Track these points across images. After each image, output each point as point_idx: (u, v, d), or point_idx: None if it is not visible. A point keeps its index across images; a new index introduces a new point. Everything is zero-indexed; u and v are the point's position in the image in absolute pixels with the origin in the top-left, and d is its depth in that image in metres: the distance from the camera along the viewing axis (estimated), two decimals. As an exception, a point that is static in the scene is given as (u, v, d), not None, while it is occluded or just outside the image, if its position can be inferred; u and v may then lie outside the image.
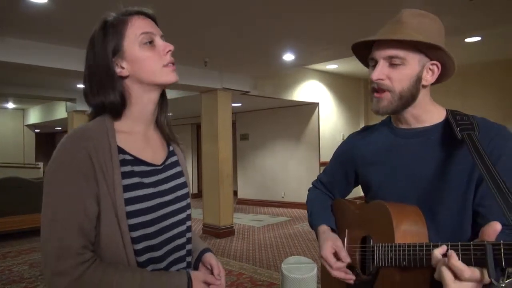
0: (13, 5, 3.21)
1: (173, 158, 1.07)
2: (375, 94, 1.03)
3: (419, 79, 1.00)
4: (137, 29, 0.93)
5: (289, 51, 4.99)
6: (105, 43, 0.92)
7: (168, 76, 0.96)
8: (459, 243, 0.74)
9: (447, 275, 0.74)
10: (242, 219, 7.46)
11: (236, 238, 6.02)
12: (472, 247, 0.72)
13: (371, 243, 1.03)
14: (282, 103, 7.95)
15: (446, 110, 1.06)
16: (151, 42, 0.94)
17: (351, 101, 8.73)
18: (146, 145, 1.00)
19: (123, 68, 0.93)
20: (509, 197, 0.77)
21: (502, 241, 0.68)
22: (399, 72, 0.99)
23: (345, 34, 4.25)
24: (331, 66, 7.49)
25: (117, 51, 0.92)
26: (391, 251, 0.92)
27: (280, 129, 8.73)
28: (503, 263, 0.67)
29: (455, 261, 0.73)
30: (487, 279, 0.70)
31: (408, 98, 1.01)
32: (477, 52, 6.12)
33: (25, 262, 4.92)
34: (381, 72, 1.00)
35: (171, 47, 0.96)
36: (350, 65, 7.40)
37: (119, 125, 0.95)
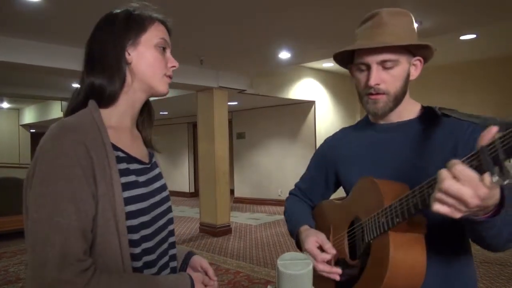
0: (6, 4, 3.19)
1: (154, 159, 1.06)
2: (371, 96, 1.04)
3: (408, 76, 1.04)
4: (159, 32, 0.96)
5: (285, 49, 4.99)
6: (126, 30, 0.92)
7: (163, 86, 0.97)
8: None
9: (443, 171, 0.69)
10: (239, 218, 7.46)
11: (233, 237, 6.02)
12: (467, 159, 0.68)
13: (361, 221, 1.02)
14: (278, 102, 7.96)
15: (421, 105, 1.10)
16: (164, 49, 0.97)
17: (347, 99, 8.75)
18: (133, 142, 0.97)
19: (129, 54, 0.92)
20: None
21: (496, 137, 0.63)
22: (392, 74, 1.02)
23: (342, 32, 4.25)
24: (327, 64, 7.49)
25: (133, 39, 0.92)
26: (382, 215, 0.91)
27: (276, 127, 8.73)
28: (500, 156, 0.62)
29: (455, 160, 0.68)
30: (487, 181, 0.66)
31: (401, 97, 1.05)
32: (472, 49, 6.14)
33: (21, 262, 4.89)
34: (377, 77, 1.01)
35: (177, 64, 0.98)
36: (346, 63, 7.39)
37: (107, 118, 0.90)
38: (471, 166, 0.67)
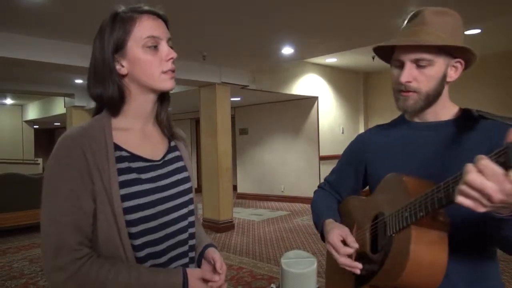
0: (8, 0, 3.18)
1: (175, 153, 1.07)
2: (402, 93, 1.05)
3: (444, 77, 1.04)
4: (144, 30, 0.92)
5: (288, 45, 4.96)
6: (110, 37, 0.92)
7: (165, 83, 0.96)
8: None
9: (469, 165, 0.69)
10: (242, 214, 7.47)
11: (236, 233, 6.03)
12: (494, 155, 0.68)
13: (384, 216, 1.02)
14: (281, 97, 7.93)
15: (460, 107, 1.09)
16: (155, 47, 0.94)
17: (351, 94, 8.71)
18: (144, 141, 1.00)
19: (122, 66, 0.94)
20: None
21: None
22: (426, 73, 1.02)
23: (345, 27, 4.23)
24: (330, 60, 7.46)
25: (120, 48, 0.93)
26: (406, 210, 0.90)
27: (279, 123, 8.71)
28: None
29: (481, 156, 0.69)
30: (511, 176, 0.66)
31: (434, 97, 1.04)
32: (477, 44, 6.09)
33: (25, 258, 4.92)
34: (409, 74, 1.02)
35: (174, 54, 0.96)
36: (349, 59, 7.37)
37: (117, 122, 0.97)
38: (497, 162, 0.67)
